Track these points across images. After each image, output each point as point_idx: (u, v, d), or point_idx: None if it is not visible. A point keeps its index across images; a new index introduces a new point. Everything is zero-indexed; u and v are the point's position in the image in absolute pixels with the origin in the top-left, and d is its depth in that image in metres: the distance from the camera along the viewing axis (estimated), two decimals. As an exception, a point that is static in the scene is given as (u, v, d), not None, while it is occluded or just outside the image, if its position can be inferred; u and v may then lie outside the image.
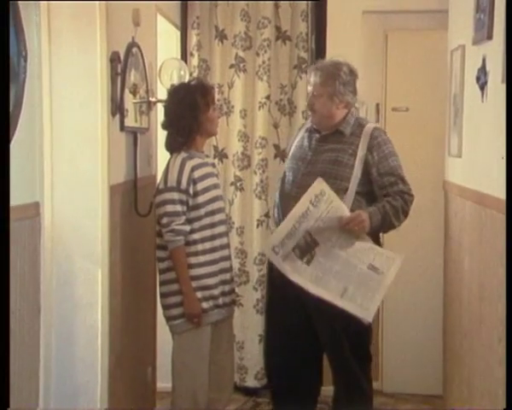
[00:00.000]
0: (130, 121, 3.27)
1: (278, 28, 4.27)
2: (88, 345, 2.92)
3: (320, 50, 4.19)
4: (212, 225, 3.09)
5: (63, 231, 2.91)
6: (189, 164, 3.07)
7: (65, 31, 2.83)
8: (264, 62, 4.26)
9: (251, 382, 4.30)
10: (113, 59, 3.01)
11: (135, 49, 3.31)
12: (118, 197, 3.15)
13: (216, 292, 3.09)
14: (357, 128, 3.09)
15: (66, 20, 2.82)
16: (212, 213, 3.08)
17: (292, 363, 3.14)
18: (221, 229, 3.11)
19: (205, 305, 3.05)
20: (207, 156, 3.31)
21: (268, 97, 4.26)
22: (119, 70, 3.09)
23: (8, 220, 2.08)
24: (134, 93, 3.31)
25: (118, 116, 3.12)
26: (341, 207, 2.87)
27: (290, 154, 3.20)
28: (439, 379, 4.08)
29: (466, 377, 3.29)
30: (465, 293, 3.38)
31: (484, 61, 2.96)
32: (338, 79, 3.05)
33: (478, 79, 3.04)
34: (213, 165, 3.31)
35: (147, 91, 3.55)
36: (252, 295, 4.25)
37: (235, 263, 4.23)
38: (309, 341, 3.15)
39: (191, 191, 3.04)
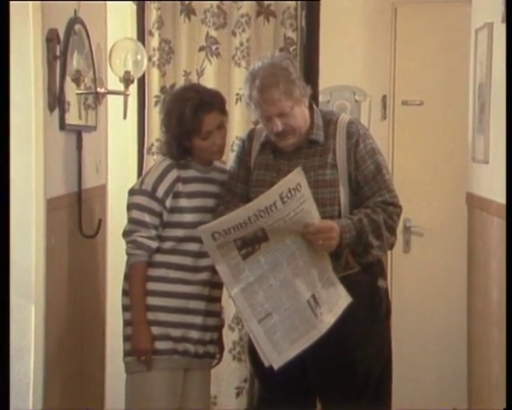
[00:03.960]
0: (72, 118, 3.25)
1: (259, 1, 4.26)
2: (16, 404, 2.84)
3: (312, 29, 4.20)
4: (192, 254, 3.08)
5: (-14, 258, 2.85)
6: (176, 173, 3.08)
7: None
8: (242, 44, 4.26)
9: (226, 446, 4.26)
10: (51, 38, 2.98)
11: (78, 27, 3.29)
12: (57, 214, 3.12)
13: (174, 334, 3.06)
14: (329, 127, 3.03)
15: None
16: (197, 239, 2.98)
17: None
18: (204, 262, 3.07)
19: (160, 345, 3.05)
20: (223, 170, 3.21)
21: (247, 88, 4.26)
22: (58, 53, 3.07)
23: (9, 220, 2.25)
24: (77, 82, 3.29)
25: (57, 111, 3.10)
26: (312, 213, 2.82)
27: (255, 177, 3.06)
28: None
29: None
30: (494, 332, 3.37)
31: (517, 42, 2.96)
32: (292, 75, 2.95)
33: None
34: (223, 184, 3.20)
35: (94, 80, 3.53)
36: (227, 337, 4.19)
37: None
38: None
39: (168, 204, 3.05)
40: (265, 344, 2.82)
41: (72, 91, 3.24)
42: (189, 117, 3.03)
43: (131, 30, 4.28)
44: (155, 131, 4.29)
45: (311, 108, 3.05)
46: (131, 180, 4.04)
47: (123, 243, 3.09)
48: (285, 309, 2.82)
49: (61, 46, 3.10)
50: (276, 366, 2.82)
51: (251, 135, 3.16)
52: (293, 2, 4.24)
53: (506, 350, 2.36)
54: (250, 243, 2.78)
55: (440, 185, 4.27)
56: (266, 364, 2.83)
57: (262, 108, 2.93)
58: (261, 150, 3.09)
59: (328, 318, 2.86)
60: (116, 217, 3.81)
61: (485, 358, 3.57)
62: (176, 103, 3.10)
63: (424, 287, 4.34)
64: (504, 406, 2.27)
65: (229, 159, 4.25)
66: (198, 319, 3.10)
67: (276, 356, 2.82)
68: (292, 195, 2.72)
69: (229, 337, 4.23)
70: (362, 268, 2.98)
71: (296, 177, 2.76)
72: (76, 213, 3.33)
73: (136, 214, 3.05)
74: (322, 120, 3.04)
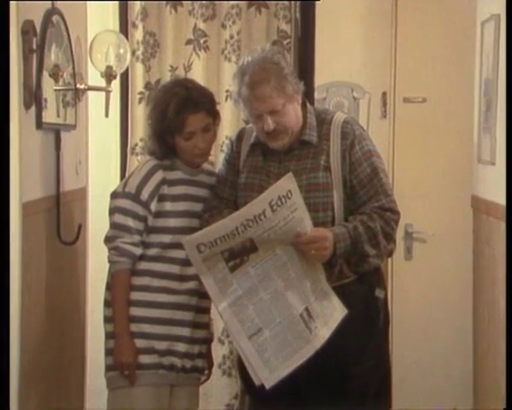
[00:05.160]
0: (50, 116, 3.24)
1: (251, -8, 4.28)
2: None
3: (307, 21, 4.20)
4: (178, 262, 3.06)
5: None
6: (161, 174, 3.07)
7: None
8: (232, 37, 4.27)
9: None
10: (27, 31, 2.96)
11: (56, 18, 3.27)
12: (33, 219, 3.10)
13: (159, 346, 3.05)
14: (322, 127, 3.02)
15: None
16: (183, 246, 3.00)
17: None
18: (191, 270, 3.02)
19: (144, 359, 3.04)
20: (211, 173, 3.23)
21: (238, 84, 4.26)
22: (35, 46, 3.05)
23: (8, 220, 2.38)
24: (56, 78, 3.28)
25: (33, 109, 3.08)
26: (304, 221, 2.81)
27: (243, 181, 3.06)
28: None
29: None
30: (501, 344, 3.36)
31: (526, 35, 2.97)
32: (284, 70, 2.94)
33: (517, 59, 3.04)
34: (211, 187, 3.21)
35: (73, 75, 3.52)
36: (216, 351, 4.18)
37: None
38: None
39: (153, 208, 3.05)
40: (256, 362, 2.81)
41: (49, 87, 3.22)
42: (171, 114, 3.03)
43: (113, 22, 4.28)
44: (139, 130, 4.28)
45: (303, 106, 3.03)
46: (113, 183, 4.02)
47: (104, 250, 3.07)
48: (276, 324, 2.82)
49: (38, 39, 3.08)
50: (267, 385, 2.81)
51: (240, 135, 3.15)
52: (287, -8, 4.26)
53: (506, 350, 2.43)
54: (238, 255, 2.77)
55: (444, 188, 4.26)
56: (257, 383, 2.82)
57: (252, 105, 2.93)
58: (250, 151, 3.08)
59: (323, 332, 2.85)
60: (97, 222, 3.79)
61: (492, 371, 3.57)
62: (162, 97, 3.09)
63: (427, 297, 4.33)
64: (504, 406, 2.34)
65: (219, 160, 4.26)
66: (185, 331, 3.09)
67: (268, 374, 2.81)
68: (282, 202, 2.71)
69: (219, 351, 4.22)
70: (357, 277, 2.97)
71: (287, 183, 2.74)
72: (54, 218, 3.31)
73: (119, 219, 3.04)
74: (315, 119, 3.03)
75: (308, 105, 3.07)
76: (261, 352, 2.80)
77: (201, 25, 4.27)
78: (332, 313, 2.88)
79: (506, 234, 2.37)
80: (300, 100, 3.01)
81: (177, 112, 3.02)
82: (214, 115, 3.12)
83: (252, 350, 2.80)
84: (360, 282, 2.98)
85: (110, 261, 3.07)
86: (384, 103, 4.35)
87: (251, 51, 3.09)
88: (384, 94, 4.35)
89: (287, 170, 2.89)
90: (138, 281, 3.06)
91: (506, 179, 2.40)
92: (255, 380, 2.82)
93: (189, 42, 4.29)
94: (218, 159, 4.27)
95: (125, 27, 4.26)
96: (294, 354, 2.82)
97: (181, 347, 3.09)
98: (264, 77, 2.90)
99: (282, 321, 2.82)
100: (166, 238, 3.07)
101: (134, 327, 3.03)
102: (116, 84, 4.07)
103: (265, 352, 2.80)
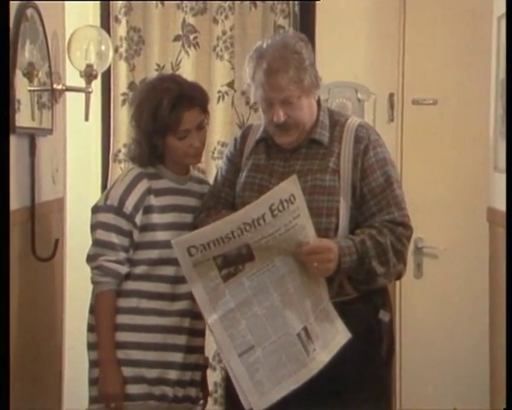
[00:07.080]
0: (24, 119, 3.23)
1: (245, -17, 4.30)
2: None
3: (307, 16, 4.21)
4: (168, 280, 3.06)
5: None
6: (146, 184, 3.06)
7: None
8: (224, 33, 4.29)
9: None
10: (-2, 25, 2.95)
11: (31, 12, 3.27)
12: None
13: (149, 375, 3.04)
14: (335, 128, 3.02)
15: None
16: (174, 262, 2.93)
17: None
18: (183, 288, 3.04)
19: (133, 389, 3.04)
20: (201, 181, 3.25)
21: (231, 84, 4.29)
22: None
23: (8, 221, 2.48)
24: (30, 77, 3.27)
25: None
26: (307, 230, 2.79)
27: (243, 180, 3.06)
28: None
29: None
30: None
31: (547, 31, 2.96)
32: (306, 61, 2.94)
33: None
34: (201, 196, 3.22)
35: (50, 75, 3.51)
36: (208, 378, 4.16)
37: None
38: None
39: (138, 221, 3.04)
40: (246, 383, 2.78)
41: (23, 88, 3.21)
42: (165, 111, 3.01)
43: (94, 16, 4.30)
44: (122, 135, 4.28)
45: (317, 103, 3.04)
46: (94, 193, 4.02)
47: (84, 267, 3.06)
48: (271, 343, 2.79)
49: (11, 35, 3.06)
50: (256, 409, 2.78)
51: (246, 132, 3.16)
52: (285, -16, 4.27)
53: (506, 350, 2.48)
54: (232, 262, 2.75)
55: (457, 199, 4.26)
56: (246, 407, 2.79)
57: (266, 93, 2.91)
58: (254, 148, 3.08)
59: (322, 356, 2.83)
60: (76, 236, 3.80)
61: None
62: (151, 94, 3.07)
63: (439, 318, 4.33)
64: (504, 405, 2.39)
65: (210, 168, 4.25)
66: (177, 357, 3.08)
67: (258, 398, 2.78)
68: (284, 207, 2.69)
69: (211, 378, 4.17)
70: (360, 296, 2.95)
71: (290, 186, 2.72)
72: (28, 232, 3.30)
73: (102, 235, 3.03)
74: (328, 119, 3.03)
75: (322, 103, 3.07)
76: (252, 372, 2.79)
77: (191, 19, 4.30)
78: (334, 337, 2.86)
79: (506, 242, 2.33)
80: (317, 95, 3.02)
81: (172, 108, 3.01)
82: (206, 112, 3.13)
83: (242, 369, 2.78)
84: (362, 301, 2.95)
85: (93, 282, 3.05)
86: (391, 106, 4.36)
87: (273, 34, 3.06)
88: (391, 95, 4.36)
89: (292, 169, 2.91)
90: (125, 303, 3.05)
91: (506, 184, 2.37)
92: (244, 404, 2.79)
93: (177, 38, 4.32)
94: (209, 166, 4.27)
95: (106, 22, 4.29)
96: (289, 377, 2.80)
97: (172, 374, 3.08)
98: (282, 66, 2.89)
99: (277, 340, 2.80)
100: (154, 254, 3.06)
101: (121, 354, 3.02)
102: (97, 85, 4.07)
103: (257, 372, 2.79)
